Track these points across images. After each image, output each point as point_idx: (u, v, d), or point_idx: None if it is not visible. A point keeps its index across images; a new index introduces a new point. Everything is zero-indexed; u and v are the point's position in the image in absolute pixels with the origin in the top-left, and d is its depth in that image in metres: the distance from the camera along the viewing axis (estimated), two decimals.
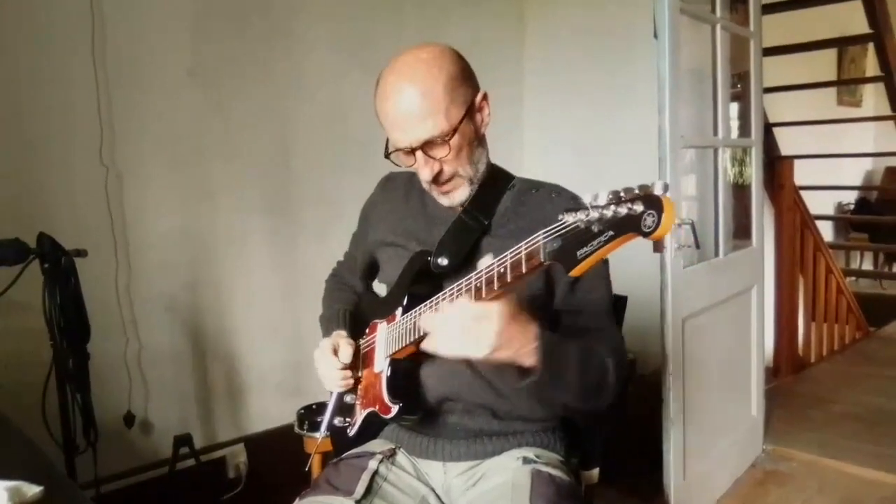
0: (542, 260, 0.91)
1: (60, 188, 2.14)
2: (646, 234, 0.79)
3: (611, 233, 0.82)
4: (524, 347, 1.03)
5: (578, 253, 0.85)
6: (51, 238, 1.74)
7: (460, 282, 1.05)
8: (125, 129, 2.24)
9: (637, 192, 0.80)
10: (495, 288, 0.98)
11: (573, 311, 1.25)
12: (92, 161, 2.18)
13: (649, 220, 0.78)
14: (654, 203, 0.78)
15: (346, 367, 1.34)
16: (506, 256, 0.97)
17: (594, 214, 0.82)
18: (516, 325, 1.02)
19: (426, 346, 1.07)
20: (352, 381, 1.35)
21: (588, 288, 1.24)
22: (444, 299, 1.09)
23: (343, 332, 1.39)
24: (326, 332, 1.44)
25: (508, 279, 0.96)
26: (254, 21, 2.53)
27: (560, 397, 1.16)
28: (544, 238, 0.91)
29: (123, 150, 2.25)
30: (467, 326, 1.00)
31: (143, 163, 2.29)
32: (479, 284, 1.01)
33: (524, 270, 0.94)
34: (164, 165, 2.34)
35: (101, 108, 2.18)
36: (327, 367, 1.34)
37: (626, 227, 0.81)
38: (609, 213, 0.81)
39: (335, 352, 1.34)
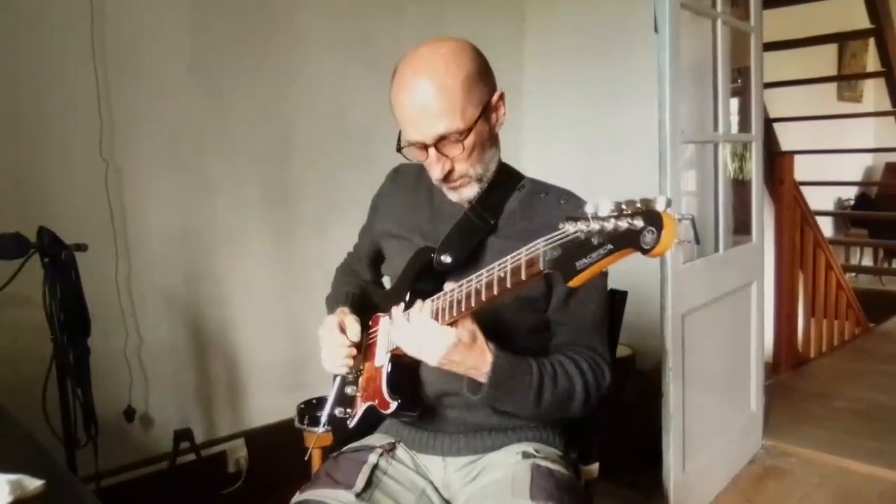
0: (542, 268, 0.92)
1: (60, 182, 2.14)
2: (644, 251, 0.78)
3: (610, 246, 0.82)
4: (476, 370, 1.12)
5: (577, 264, 0.86)
6: (51, 232, 1.74)
7: (461, 284, 1.07)
8: (125, 123, 2.24)
9: (638, 205, 0.80)
10: (493, 293, 1.01)
11: (563, 323, 1.27)
12: (92, 155, 2.18)
13: (648, 237, 0.78)
14: (654, 219, 0.78)
15: (352, 346, 1.31)
16: (506, 261, 0.98)
17: (594, 226, 0.82)
18: (468, 350, 1.10)
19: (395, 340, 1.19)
20: (352, 363, 1.32)
21: (582, 300, 1.25)
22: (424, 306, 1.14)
23: (346, 309, 1.36)
24: (331, 310, 1.43)
25: (508, 284, 0.98)
26: (253, 17, 2.53)
27: (514, 412, 1.24)
28: (545, 245, 0.91)
29: (123, 145, 2.25)
30: (425, 338, 1.11)
31: (142, 157, 2.29)
32: (468, 292, 1.05)
33: (524, 277, 0.95)
34: (163, 160, 2.34)
35: (101, 103, 2.18)
36: (333, 344, 1.31)
37: (625, 241, 0.80)
38: (609, 225, 0.81)
39: (342, 330, 1.32)
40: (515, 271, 0.96)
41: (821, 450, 2.73)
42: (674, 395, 2.21)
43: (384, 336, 1.31)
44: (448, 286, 1.10)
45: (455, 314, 1.08)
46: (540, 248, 0.92)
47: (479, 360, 1.11)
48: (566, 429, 1.38)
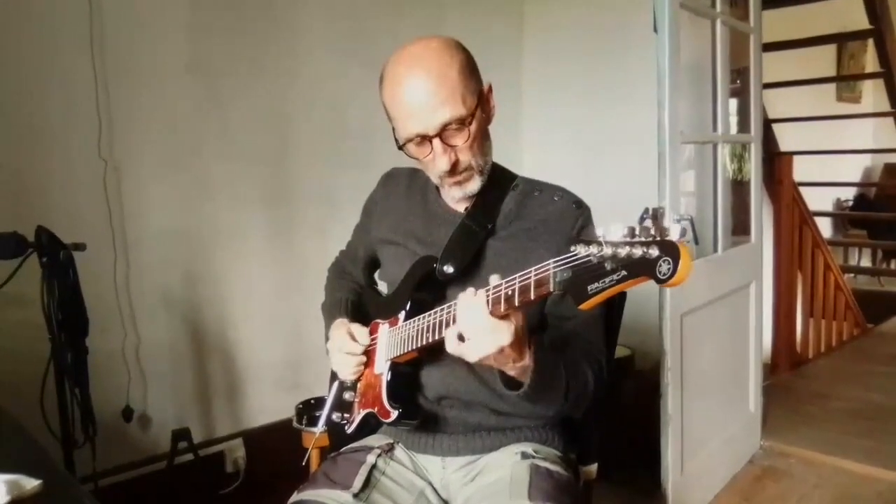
0: (552, 289, 0.91)
1: (59, 182, 2.14)
2: (660, 281, 0.78)
3: (624, 273, 0.81)
4: (514, 363, 1.07)
5: (590, 288, 0.85)
6: (49, 232, 1.74)
7: (501, 282, 1.01)
8: (123, 122, 2.24)
9: (653, 233, 0.79)
10: (512, 306, 0.98)
11: (563, 316, 1.26)
12: (90, 155, 2.17)
13: (664, 267, 0.77)
14: (669, 250, 0.77)
15: (363, 353, 1.32)
16: (514, 279, 0.97)
17: (607, 251, 0.81)
18: (519, 345, 1.04)
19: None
20: (362, 369, 1.34)
21: None
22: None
23: (345, 320, 1.37)
24: (329, 319, 1.44)
25: (516, 303, 0.97)
26: (252, 16, 2.52)
27: (541, 410, 1.22)
28: (555, 266, 0.91)
29: (122, 144, 2.24)
30: (478, 331, 1.02)
31: (141, 157, 2.29)
32: (496, 298, 1.01)
33: (532, 297, 0.94)
34: (162, 159, 2.34)
35: (100, 102, 2.18)
36: (342, 352, 1.32)
37: (640, 270, 0.79)
38: (622, 252, 0.80)
39: (352, 338, 1.32)
40: (524, 290, 0.95)
41: (819, 450, 2.73)
42: (672, 395, 2.22)
43: (383, 343, 1.31)
44: (493, 279, 1.03)
45: (510, 307, 1.01)
46: (550, 268, 0.91)
47: (518, 356, 1.06)
48: (565, 429, 1.37)
